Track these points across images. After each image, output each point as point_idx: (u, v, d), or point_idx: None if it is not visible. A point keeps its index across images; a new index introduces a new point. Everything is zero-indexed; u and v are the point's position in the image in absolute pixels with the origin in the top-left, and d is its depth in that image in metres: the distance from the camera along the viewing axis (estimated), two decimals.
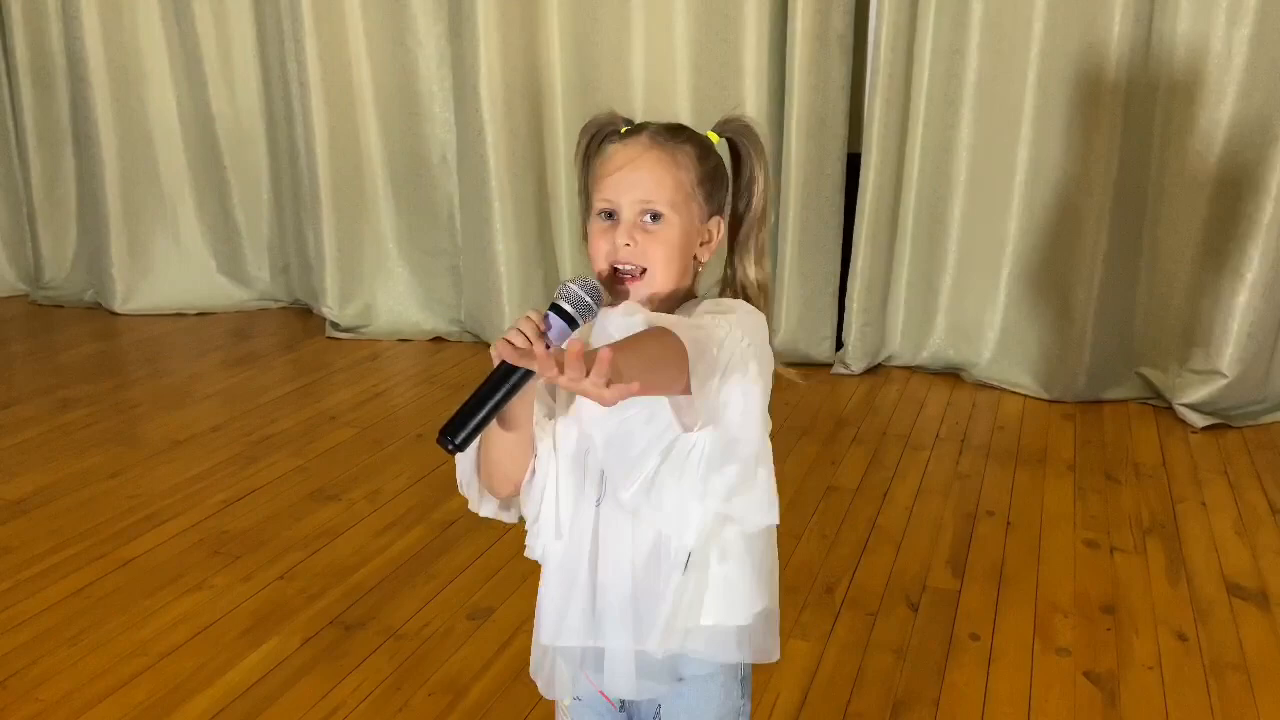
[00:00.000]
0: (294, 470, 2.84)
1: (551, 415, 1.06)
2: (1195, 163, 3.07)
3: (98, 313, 4.51)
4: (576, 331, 0.96)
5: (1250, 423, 3.12)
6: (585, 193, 1.07)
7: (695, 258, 1.06)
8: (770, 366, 1.02)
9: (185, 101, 4.36)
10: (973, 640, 2.03)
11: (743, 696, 1.15)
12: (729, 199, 1.07)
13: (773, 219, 1.06)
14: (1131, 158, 3.14)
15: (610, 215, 1.01)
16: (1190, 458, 2.91)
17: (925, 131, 3.41)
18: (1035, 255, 3.37)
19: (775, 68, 3.49)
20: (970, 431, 3.12)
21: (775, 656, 1.11)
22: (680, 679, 1.09)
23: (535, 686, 1.82)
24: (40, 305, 4.65)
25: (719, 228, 1.06)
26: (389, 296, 4.18)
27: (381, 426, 3.18)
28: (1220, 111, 3.00)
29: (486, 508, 1.10)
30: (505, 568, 2.29)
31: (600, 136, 1.06)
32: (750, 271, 1.09)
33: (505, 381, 0.91)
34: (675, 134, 1.03)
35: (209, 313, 4.49)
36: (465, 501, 1.74)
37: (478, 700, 1.84)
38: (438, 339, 4.08)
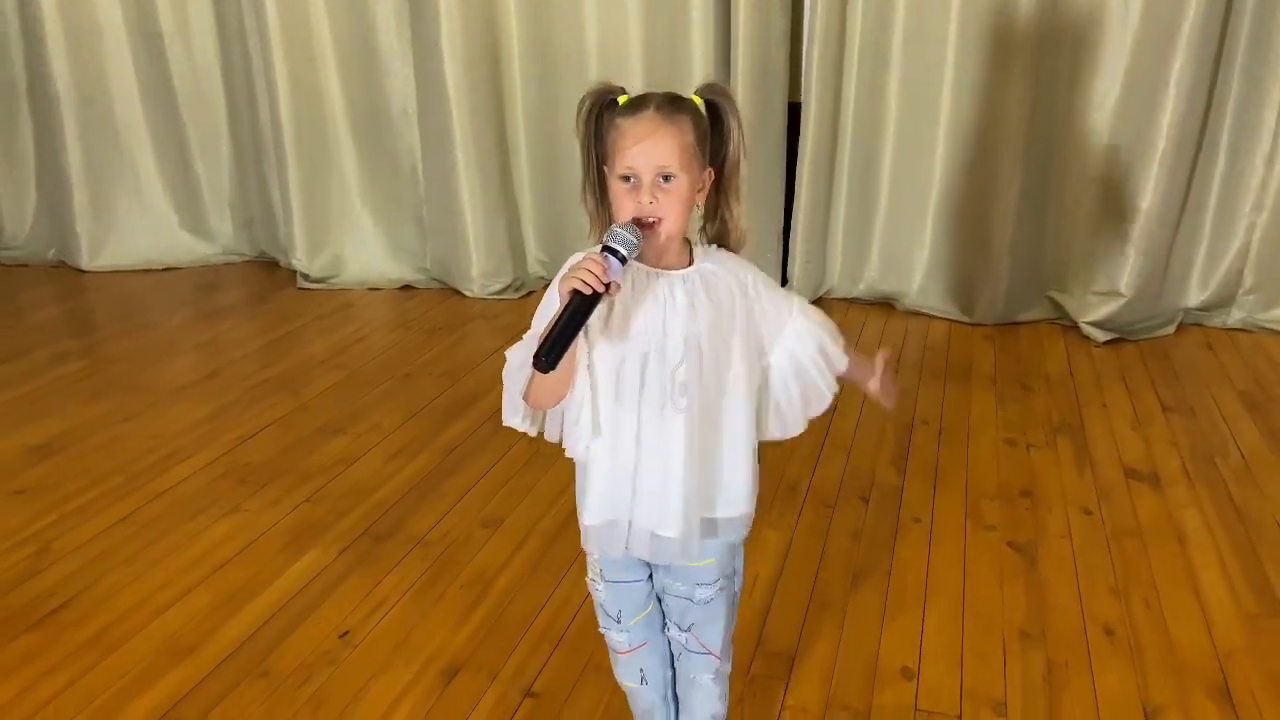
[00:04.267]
0: (296, 409, 3.08)
1: (591, 338, 1.28)
2: (1097, 108, 3.45)
3: (64, 270, 4.61)
4: (624, 269, 1.21)
5: (1145, 336, 3.55)
6: (590, 152, 1.29)
7: (695, 202, 1.31)
8: None
9: (141, 56, 4.43)
10: (915, 523, 2.39)
11: (737, 559, 1.47)
12: (713, 150, 1.30)
13: (744, 166, 1.34)
14: (1041, 104, 3.49)
15: (628, 179, 1.23)
16: (1094, 368, 3.32)
17: (858, 81, 3.71)
18: (958, 194, 3.72)
19: (721, 22, 3.74)
20: (904, 353, 3.48)
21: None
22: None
23: (550, 575, 2.15)
24: (4, 265, 4.72)
25: (709, 176, 1.31)
26: (356, 247, 4.36)
27: (369, 369, 3.41)
28: (1117, 63, 3.37)
29: (515, 418, 1.34)
30: (508, 484, 2.58)
31: (599, 105, 1.27)
32: (734, 210, 1.35)
33: (582, 310, 1.17)
34: (675, 106, 1.25)
35: (175, 268, 4.62)
36: (463, 430, 2.01)
37: (504, 589, 2.14)
38: (406, 287, 4.29)
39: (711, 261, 1.32)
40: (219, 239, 4.71)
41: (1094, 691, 1.82)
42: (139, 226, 4.62)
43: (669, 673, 1.54)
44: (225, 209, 4.68)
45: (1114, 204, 3.49)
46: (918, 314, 3.84)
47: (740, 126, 1.30)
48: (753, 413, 1.35)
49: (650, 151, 1.22)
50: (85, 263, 4.56)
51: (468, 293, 4.12)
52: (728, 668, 1.51)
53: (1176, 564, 2.21)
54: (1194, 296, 3.66)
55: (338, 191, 4.31)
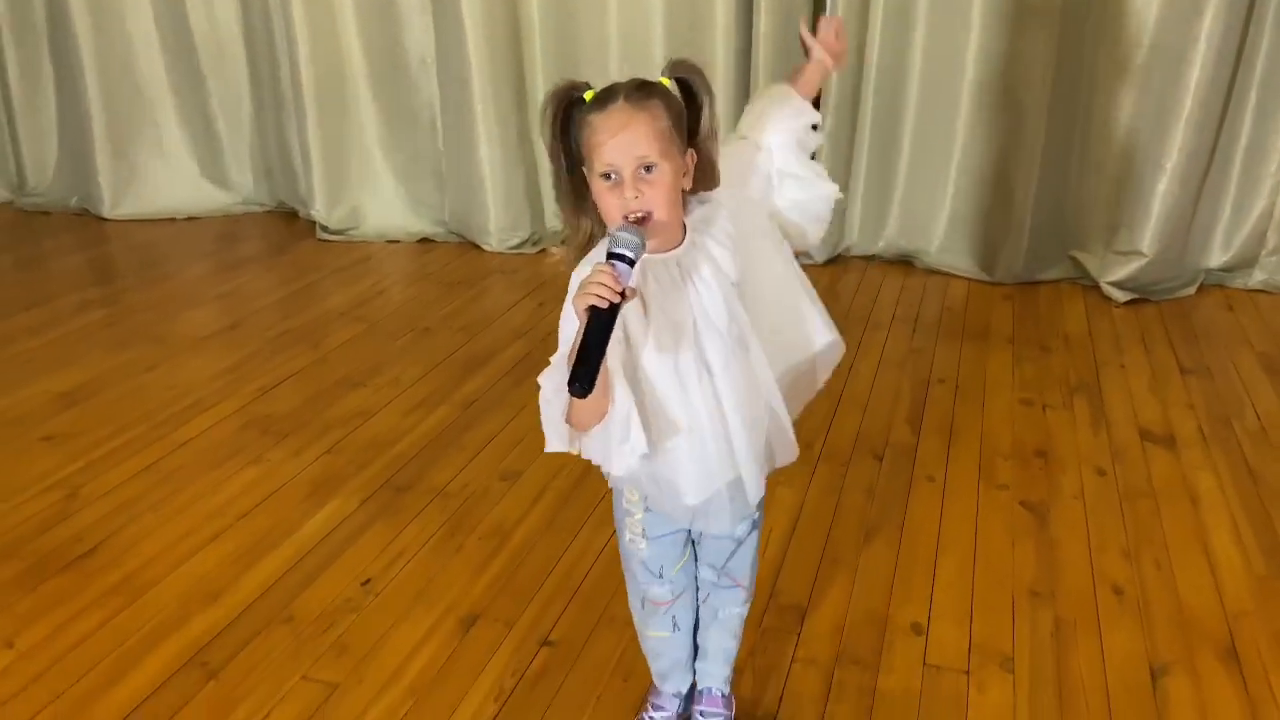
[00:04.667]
0: (316, 362, 3.11)
1: (629, 348, 1.26)
2: (1122, 65, 3.39)
3: (86, 219, 4.65)
4: (633, 271, 1.18)
5: (1166, 297, 3.53)
6: (559, 158, 1.24)
7: (681, 188, 1.27)
8: None
9: (161, 8, 4.43)
10: (929, 481, 2.41)
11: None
12: (689, 128, 1.27)
13: (719, 133, 1.32)
14: (1067, 61, 3.44)
15: (609, 176, 1.19)
16: (1113, 328, 3.31)
17: (882, 35, 3.66)
18: (980, 151, 3.69)
19: None
20: (922, 312, 3.48)
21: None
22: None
23: (567, 529, 2.19)
24: (26, 212, 4.76)
25: (691, 158, 1.27)
26: (375, 200, 4.37)
27: (389, 322, 3.44)
28: (1145, 20, 3.31)
29: (560, 444, 1.29)
30: (526, 439, 2.61)
31: (565, 105, 1.22)
32: (717, 175, 1.31)
33: (603, 325, 1.14)
34: (645, 92, 1.21)
35: (195, 217, 4.65)
36: (481, 384, 2.04)
37: (522, 541, 2.18)
38: (425, 240, 4.30)
39: (700, 214, 1.30)
40: (239, 189, 4.73)
41: (1101, 650, 1.85)
42: (160, 176, 4.65)
43: (694, 615, 1.58)
44: (245, 159, 4.69)
45: (1138, 163, 3.45)
46: (937, 272, 3.82)
47: (712, 97, 1.26)
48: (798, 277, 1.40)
49: (627, 143, 1.18)
50: (107, 211, 4.60)
51: (486, 247, 4.12)
52: (750, 599, 1.56)
53: (1188, 525, 2.23)
54: (1216, 257, 3.62)
55: (357, 143, 4.31)
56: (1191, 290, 3.57)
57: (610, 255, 1.17)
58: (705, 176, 1.30)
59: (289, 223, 4.57)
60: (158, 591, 2.03)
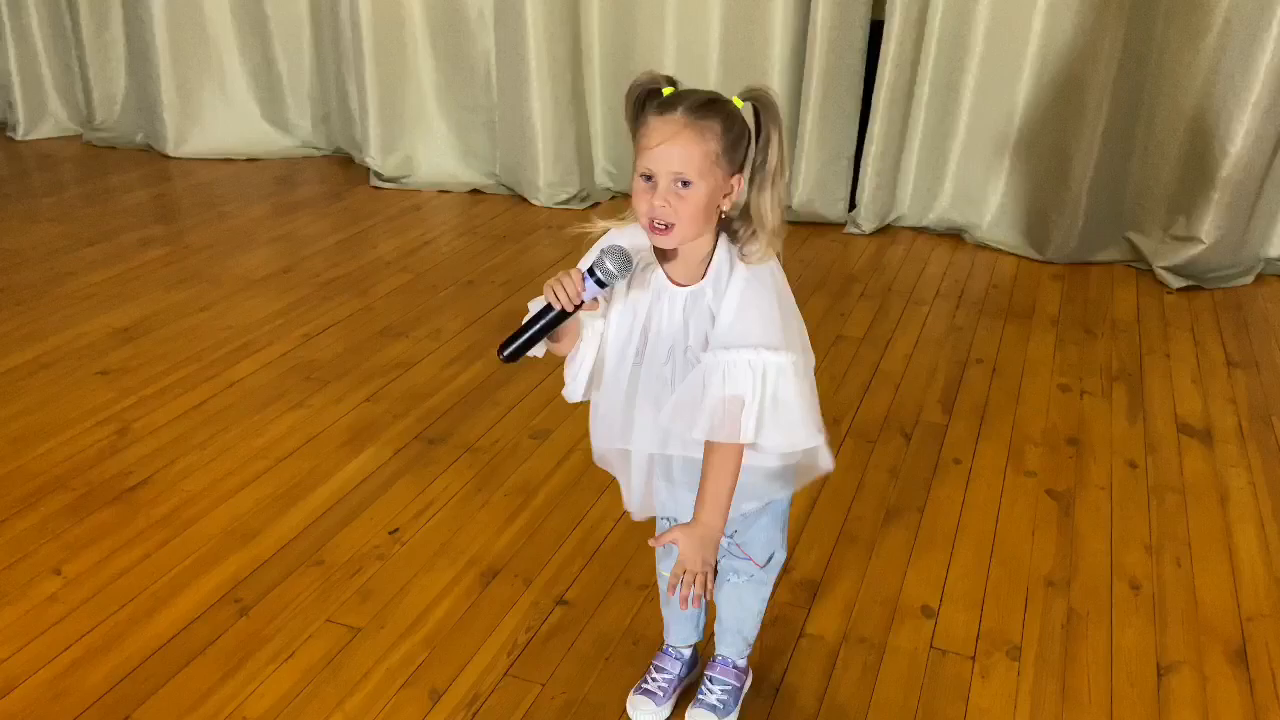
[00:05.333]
0: (361, 310, 3.19)
1: (605, 313, 1.34)
2: (1192, 47, 3.29)
3: (151, 155, 4.77)
4: (605, 291, 1.27)
5: (1221, 285, 3.44)
6: (634, 135, 1.25)
7: (719, 208, 1.27)
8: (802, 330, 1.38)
9: None
10: (955, 464, 2.42)
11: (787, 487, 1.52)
12: (749, 156, 1.24)
13: (788, 174, 1.30)
14: (1135, 35, 3.34)
15: (648, 178, 1.22)
16: (1163, 315, 3.25)
17: (946, 2, 3.59)
18: (1040, 126, 3.61)
19: None
20: (968, 288, 3.45)
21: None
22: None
23: (590, 491, 2.23)
24: (94, 146, 4.89)
25: (740, 183, 1.27)
26: (428, 149, 4.42)
27: (434, 273, 3.50)
28: (1219, 1, 3.19)
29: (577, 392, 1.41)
30: (557, 398, 2.61)
31: (642, 96, 1.23)
32: (768, 217, 1.27)
33: (551, 320, 1.28)
34: (705, 111, 1.20)
35: (255, 159, 4.74)
36: None
37: (545, 499, 2.24)
38: (475, 191, 4.35)
39: (712, 286, 1.30)
40: (297, 132, 4.81)
41: (1110, 643, 1.86)
42: (222, 116, 4.75)
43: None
44: (305, 103, 4.77)
45: (1202, 147, 3.36)
46: (987, 248, 3.77)
47: (782, 135, 1.25)
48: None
49: (668, 155, 1.20)
50: (171, 149, 4.71)
51: (534, 201, 4.15)
52: (767, 577, 1.59)
53: (1215, 524, 2.21)
54: (1277, 246, 3.52)
55: (413, 93, 4.35)
56: (1249, 280, 3.48)
57: (589, 270, 1.26)
58: (754, 213, 1.27)
59: (345, 168, 4.64)
60: (199, 528, 2.13)
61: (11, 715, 1.65)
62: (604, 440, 1.45)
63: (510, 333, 1.31)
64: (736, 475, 1.31)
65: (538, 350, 1.34)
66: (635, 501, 1.50)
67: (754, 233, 1.28)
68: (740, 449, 1.29)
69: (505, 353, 1.30)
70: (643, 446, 1.41)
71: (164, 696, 1.69)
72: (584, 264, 1.31)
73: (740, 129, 1.24)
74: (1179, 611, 1.94)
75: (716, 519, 1.32)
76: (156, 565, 2.01)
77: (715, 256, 1.30)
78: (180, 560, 2.03)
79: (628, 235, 1.32)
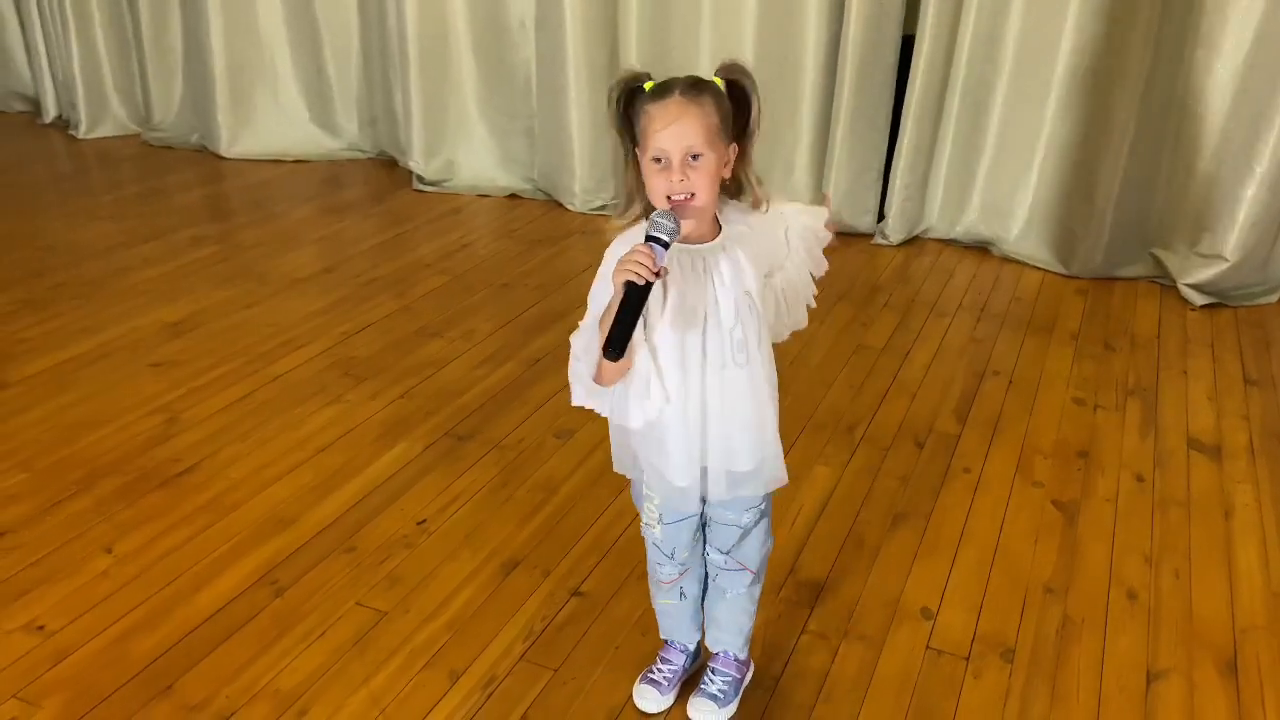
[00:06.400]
0: (399, 310, 3.32)
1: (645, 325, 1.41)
2: (1222, 65, 3.31)
3: (205, 155, 4.96)
4: (667, 252, 1.33)
5: (1245, 303, 3.47)
6: (623, 134, 1.36)
7: (722, 176, 1.39)
8: None
9: None
10: (964, 473, 2.49)
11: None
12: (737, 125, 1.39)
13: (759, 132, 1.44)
14: (1164, 57, 3.37)
15: (659, 160, 1.32)
16: (1184, 332, 3.29)
17: (977, 19, 3.64)
18: (1068, 141, 3.65)
19: None
20: (991, 301, 3.50)
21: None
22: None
23: (609, 490, 2.33)
24: (152, 145, 5.09)
25: (733, 151, 1.39)
26: (469, 154, 4.56)
27: (470, 275, 3.63)
28: (1250, 19, 3.22)
29: (585, 400, 1.47)
30: None
31: (628, 92, 1.34)
32: (752, 174, 1.43)
33: (638, 299, 1.30)
34: (698, 89, 1.32)
35: (304, 160, 4.91)
36: (547, 343, 2.19)
37: (567, 496, 2.35)
38: (513, 195, 4.48)
39: (737, 226, 1.43)
40: (345, 135, 4.97)
41: (1103, 649, 1.92)
42: (273, 118, 4.92)
43: (702, 587, 1.73)
44: (352, 108, 4.93)
45: (1229, 165, 3.38)
46: (1013, 261, 3.82)
47: (758, 100, 1.37)
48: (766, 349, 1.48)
49: (678, 133, 1.30)
50: (224, 149, 4.90)
51: (570, 206, 4.27)
52: (759, 582, 1.69)
53: (1216, 538, 2.26)
54: None
55: (455, 98, 4.48)
56: (1273, 298, 3.50)
57: (648, 238, 1.31)
58: (747, 167, 1.42)
59: (389, 171, 4.80)
60: (240, 513, 2.26)
61: (67, 680, 1.79)
62: (687, 472, 1.47)
63: (607, 335, 1.30)
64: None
65: (588, 401, 1.43)
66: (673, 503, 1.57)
67: (747, 183, 1.41)
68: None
69: (612, 348, 1.29)
70: (736, 450, 1.47)
71: (204, 668, 1.82)
72: (616, 250, 1.37)
73: (726, 103, 1.35)
74: (1173, 621, 2.00)
75: None
76: (200, 547, 2.15)
77: (722, 214, 1.43)
78: (222, 543, 2.16)
79: (630, 238, 1.39)
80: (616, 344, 1.29)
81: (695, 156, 1.33)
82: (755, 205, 1.44)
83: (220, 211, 4.32)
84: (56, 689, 1.77)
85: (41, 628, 1.91)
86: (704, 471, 1.50)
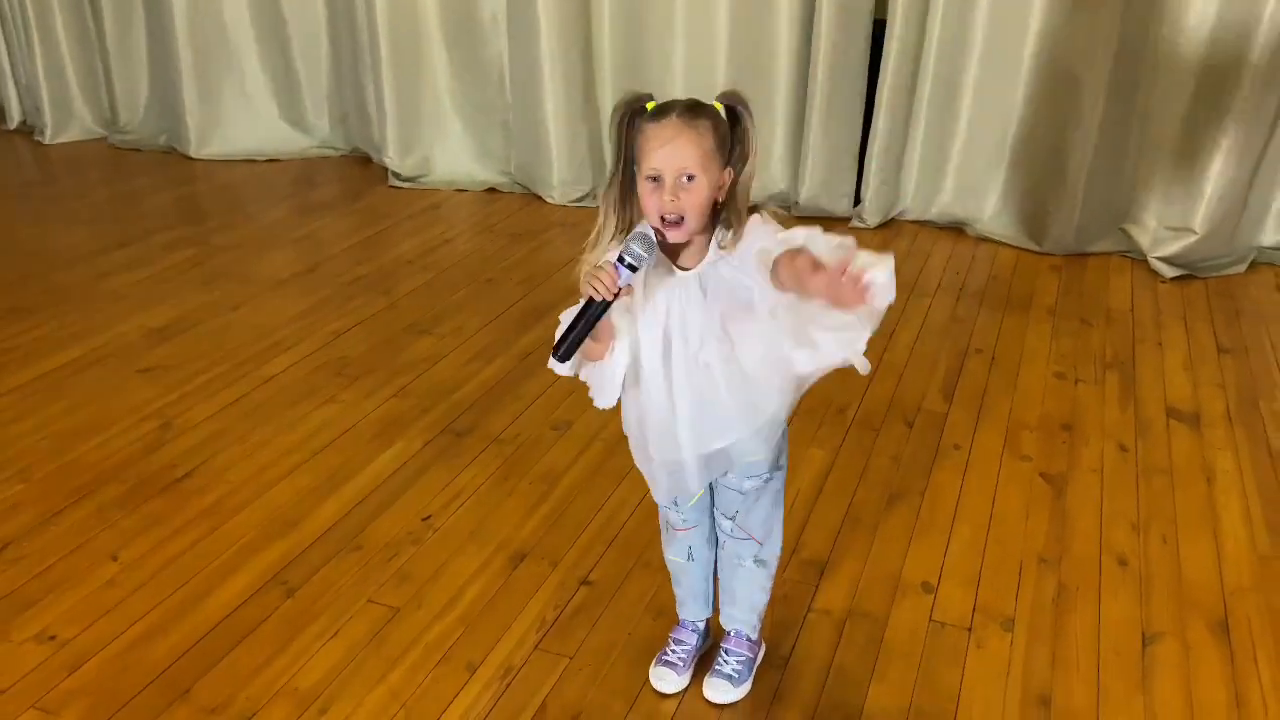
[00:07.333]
0: (386, 308, 3.32)
1: (630, 310, 1.47)
2: (1188, 38, 3.39)
3: (173, 157, 4.91)
4: (636, 275, 1.39)
5: (1214, 274, 3.56)
6: (622, 156, 1.41)
7: (716, 199, 1.43)
8: None
9: None
10: (954, 450, 2.55)
11: (782, 455, 1.66)
12: (733, 150, 1.42)
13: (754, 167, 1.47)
14: (1131, 33, 3.45)
15: (655, 179, 1.37)
16: (1156, 304, 3.37)
17: (946, 1, 3.69)
18: (1038, 121, 3.72)
19: None
20: (969, 280, 3.57)
21: None
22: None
23: (610, 479, 2.36)
24: (119, 149, 5.03)
25: (729, 175, 1.43)
26: (444, 149, 4.55)
27: (454, 271, 3.63)
28: None
29: (563, 370, 1.50)
30: (576, 391, 2.72)
31: (630, 114, 1.39)
32: (734, 209, 1.43)
33: (594, 313, 1.39)
34: (696, 113, 1.37)
35: (275, 159, 4.88)
36: (537, 337, 2.27)
37: (569, 486, 2.38)
38: (491, 189, 4.48)
39: (725, 264, 1.44)
40: (316, 133, 4.94)
41: (1098, 616, 1.99)
42: (242, 117, 4.88)
43: (712, 554, 1.77)
44: (322, 104, 4.90)
45: (1195, 139, 3.47)
46: (988, 240, 3.89)
47: (754, 129, 1.41)
48: (770, 359, 1.49)
49: (673, 154, 1.35)
50: (193, 150, 4.85)
51: (548, 199, 4.28)
52: (769, 555, 1.73)
53: (1200, 503, 2.33)
54: (1270, 235, 3.64)
55: (429, 93, 4.47)
56: (1241, 268, 3.59)
57: (619, 258, 1.38)
58: (736, 197, 1.44)
59: (363, 168, 4.78)
60: (243, 516, 2.27)
61: (85, 687, 1.79)
62: (655, 447, 1.55)
63: (558, 340, 1.42)
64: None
65: (568, 369, 1.48)
66: (664, 490, 1.63)
67: (734, 214, 1.42)
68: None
69: (559, 352, 1.41)
70: (691, 445, 1.52)
71: (221, 671, 1.84)
72: (608, 258, 1.43)
73: (724, 128, 1.40)
74: (1164, 585, 2.07)
75: None
76: (206, 551, 2.16)
77: (714, 237, 1.45)
78: (228, 546, 2.17)
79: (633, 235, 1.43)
80: (565, 351, 1.41)
81: (689, 178, 1.37)
82: (724, 243, 1.43)
83: (194, 213, 4.28)
84: (74, 697, 1.77)
85: (53, 637, 1.91)
86: (683, 464, 1.55)
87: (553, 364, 1.48)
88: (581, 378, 1.56)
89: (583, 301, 1.40)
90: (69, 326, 3.16)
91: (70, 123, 5.15)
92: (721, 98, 1.41)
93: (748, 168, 1.42)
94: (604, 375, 1.51)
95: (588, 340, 1.44)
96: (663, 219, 1.39)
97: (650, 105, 1.40)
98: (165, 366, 2.92)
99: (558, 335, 1.45)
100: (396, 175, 4.52)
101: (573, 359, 1.47)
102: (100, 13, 4.88)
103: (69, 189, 4.57)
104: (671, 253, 1.46)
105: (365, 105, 4.64)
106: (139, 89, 5.07)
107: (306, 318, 3.23)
